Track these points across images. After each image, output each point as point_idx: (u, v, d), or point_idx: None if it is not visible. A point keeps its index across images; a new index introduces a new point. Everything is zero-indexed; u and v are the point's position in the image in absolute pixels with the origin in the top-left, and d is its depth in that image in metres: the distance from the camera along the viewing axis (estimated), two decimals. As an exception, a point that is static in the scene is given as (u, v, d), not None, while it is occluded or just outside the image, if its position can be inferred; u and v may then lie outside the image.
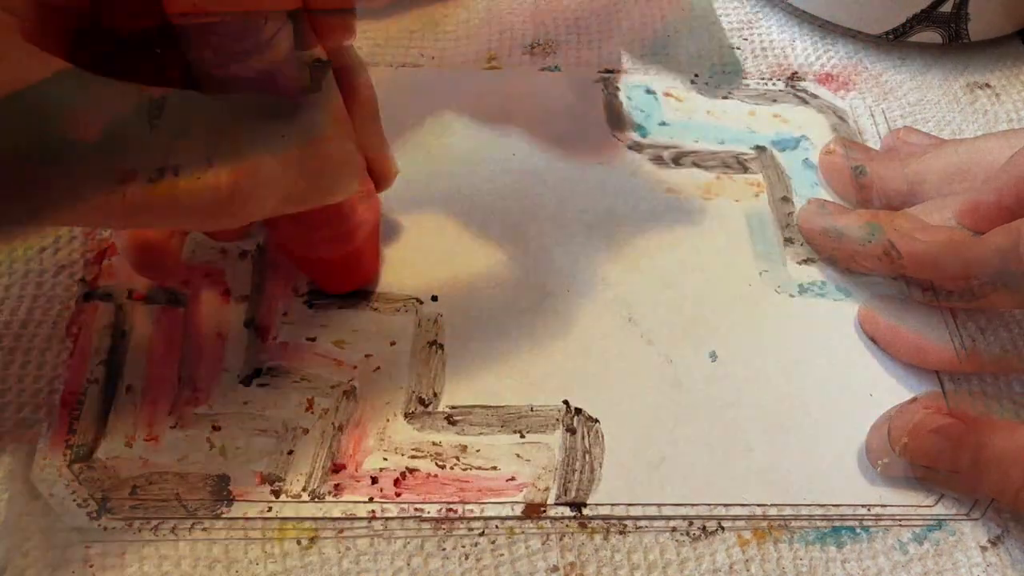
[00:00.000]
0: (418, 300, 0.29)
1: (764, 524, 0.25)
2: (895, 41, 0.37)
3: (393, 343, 0.28)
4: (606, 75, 0.36)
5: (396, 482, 0.25)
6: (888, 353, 0.29)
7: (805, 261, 0.31)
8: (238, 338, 0.28)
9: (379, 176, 0.28)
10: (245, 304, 0.28)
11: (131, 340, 0.27)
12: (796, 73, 0.37)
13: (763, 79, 0.36)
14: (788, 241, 0.31)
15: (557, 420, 0.27)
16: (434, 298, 0.29)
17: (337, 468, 0.25)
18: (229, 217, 0.21)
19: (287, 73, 0.22)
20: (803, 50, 0.37)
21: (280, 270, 0.29)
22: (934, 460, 0.26)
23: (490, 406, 0.27)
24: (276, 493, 0.25)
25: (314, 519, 0.25)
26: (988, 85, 0.36)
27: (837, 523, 0.26)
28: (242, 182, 0.21)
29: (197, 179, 0.20)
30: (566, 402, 0.27)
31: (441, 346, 0.28)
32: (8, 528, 0.24)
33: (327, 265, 0.28)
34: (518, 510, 0.25)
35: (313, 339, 0.28)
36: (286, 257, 0.29)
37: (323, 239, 0.26)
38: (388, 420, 0.26)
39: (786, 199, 0.32)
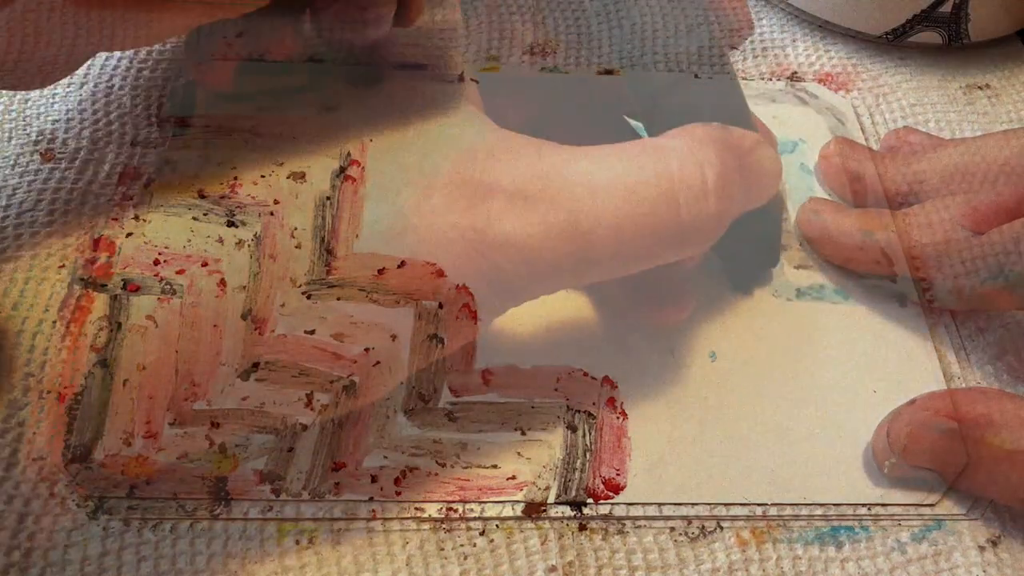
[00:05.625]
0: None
1: (763, 524, 0.25)
2: (895, 41, 0.37)
3: (394, 336, 0.28)
4: (606, 75, 0.36)
5: (396, 481, 0.25)
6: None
7: (802, 266, 0.31)
8: (235, 330, 0.27)
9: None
10: (242, 295, 0.28)
11: (127, 332, 0.27)
12: (796, 73, 0.37)
13: (763, 79, 0.36)
14: (784, 246, 0.31)
15: (558, 417, 0.27)
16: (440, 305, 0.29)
17: (337, 466, 0.25)
18: None
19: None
20: (803, 50, 0.37)
21: (278, 259, 0.29)
22: (935, 461, 0.26)
23: (490, 402, 0.27)
24: (276, 492, 0.24)
25: (314, 519, 0.24)
26: (988, 86, 0.37)
27: (836, 523, 0.25)
28: None
29: None
30: (567, 399, 0.27)
31: (442, 340, 0.28)
32: (6, 529, 0.24)
33: None
34: (518, 509, 0.25)
35: (312, 332, 0.27)
36: None
37: None
38: (388, 416, 0.26)
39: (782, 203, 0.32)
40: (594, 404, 0.27)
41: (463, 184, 0.27)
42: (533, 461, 0.26)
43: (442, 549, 0.24)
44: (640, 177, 0.25)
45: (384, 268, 0.29)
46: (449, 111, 0.32)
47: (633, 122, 0.32)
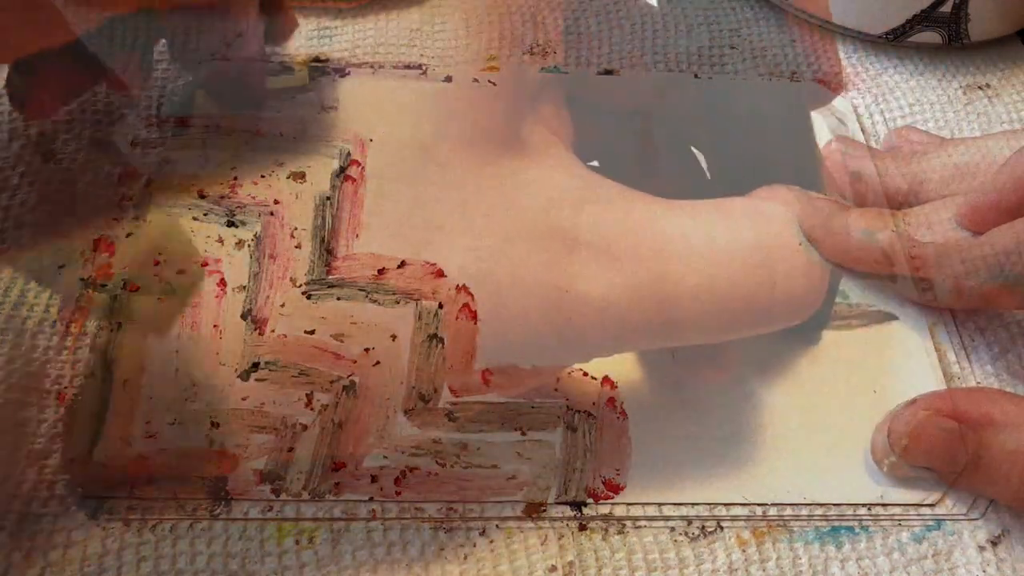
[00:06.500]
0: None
1: (763, 524, 0.25)
2: (895, 41, 0.37)
3: (394, 336, 0.28)
4: (606, 75, 0.36)
5: (396, 481, 0.25)
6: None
7: None
8: (235, 330, 0.27)
9: None
10: (242, 295, 0.28)
11: (127, 333, 0.27)
12: (795, 73, 0.37)
13: (762, 79, 0.36)
14: None
15: (558, 417, 0.27)
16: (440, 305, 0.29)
17: (337, 466, 0.25)
18: None
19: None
20: (802, 50, 0.37)
21: (278, 259, 0.29)
22: (935, 461, 0.26)
23: (490, 402, 0.27)
24: (276, 492, 0.24)
25: (314, 519, 0.24)
26: (988, 85, 0.37)
27: (836, 523, 0.25)
28: None
29: None
30: (567, 399, 0.27)
31: (442, 340, 0.28)
32: (6, 529, 0.23)
33: None
34: (518, 509, 0.25)
35: (312, 332, 0.27)
36: None
37: None
38: (388, 416, 0.26)
39: None
40: (594, 404, 0.27)
41: (548, 235, 0.27)
42: (533, 461, 0.26)
43: (442, 549, 0.24)
44: (738, 243, 0.24)
45: (384, 268, 0.29)
46: (537, 149, 0.31)
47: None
